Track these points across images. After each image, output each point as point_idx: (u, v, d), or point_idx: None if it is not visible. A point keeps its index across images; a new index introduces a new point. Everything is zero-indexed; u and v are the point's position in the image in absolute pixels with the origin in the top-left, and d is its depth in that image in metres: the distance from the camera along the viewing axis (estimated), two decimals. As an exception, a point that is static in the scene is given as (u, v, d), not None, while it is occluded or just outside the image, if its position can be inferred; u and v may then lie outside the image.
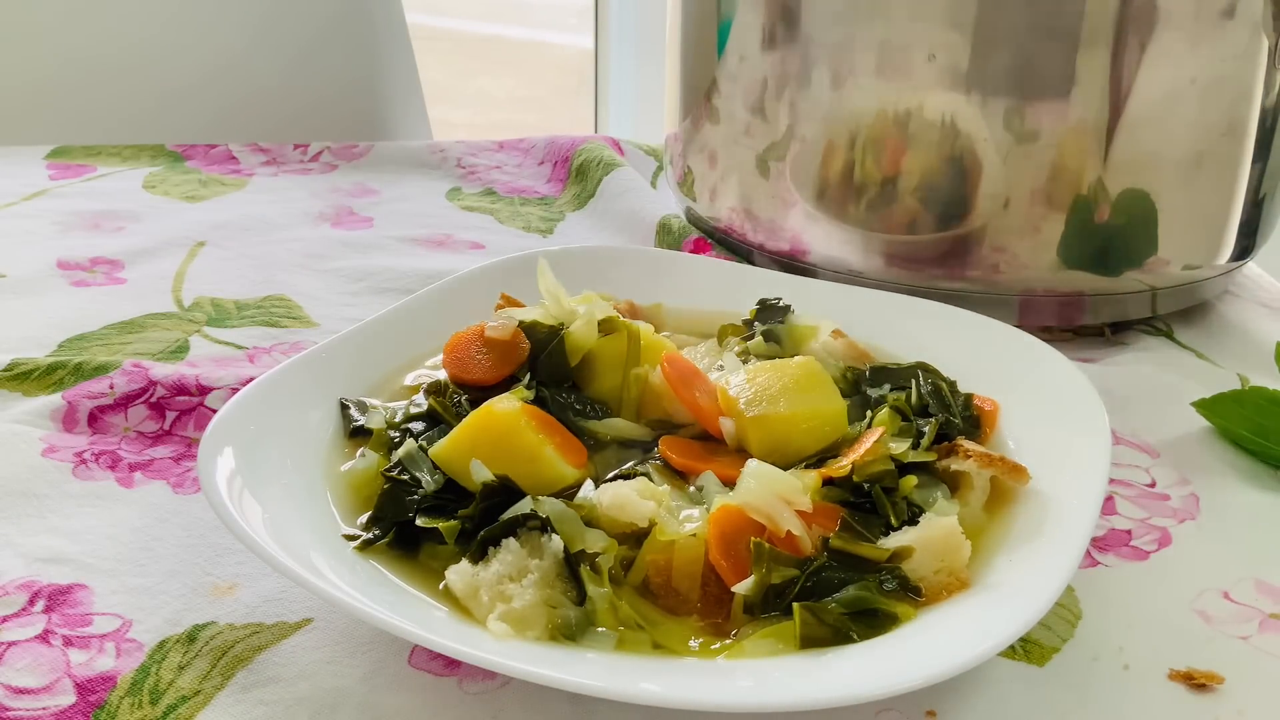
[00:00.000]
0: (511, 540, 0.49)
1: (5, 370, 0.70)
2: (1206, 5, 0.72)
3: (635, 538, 0.50)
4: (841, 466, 0.53)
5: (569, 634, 0.46)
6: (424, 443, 0.56)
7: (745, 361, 0.63)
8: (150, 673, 0.49)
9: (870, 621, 0.47)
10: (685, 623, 0.48)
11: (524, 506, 0.50)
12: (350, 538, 0.52)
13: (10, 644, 0.50)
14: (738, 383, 0.58)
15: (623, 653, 0.46)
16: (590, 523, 0.50)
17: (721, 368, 0.63)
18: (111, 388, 0.68)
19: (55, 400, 0.67)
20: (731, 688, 0.44)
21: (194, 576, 0.54)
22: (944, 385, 0.61)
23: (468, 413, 0.56)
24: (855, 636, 0.46)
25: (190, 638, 0.51)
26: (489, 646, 0.45)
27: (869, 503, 0.53)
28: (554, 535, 0.49)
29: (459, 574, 0.48)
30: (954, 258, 0.78)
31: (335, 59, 1.42)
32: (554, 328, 0.61)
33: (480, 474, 0.52)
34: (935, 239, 0.79)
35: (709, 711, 0.43)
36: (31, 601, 0.52)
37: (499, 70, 4.30)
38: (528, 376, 0.60)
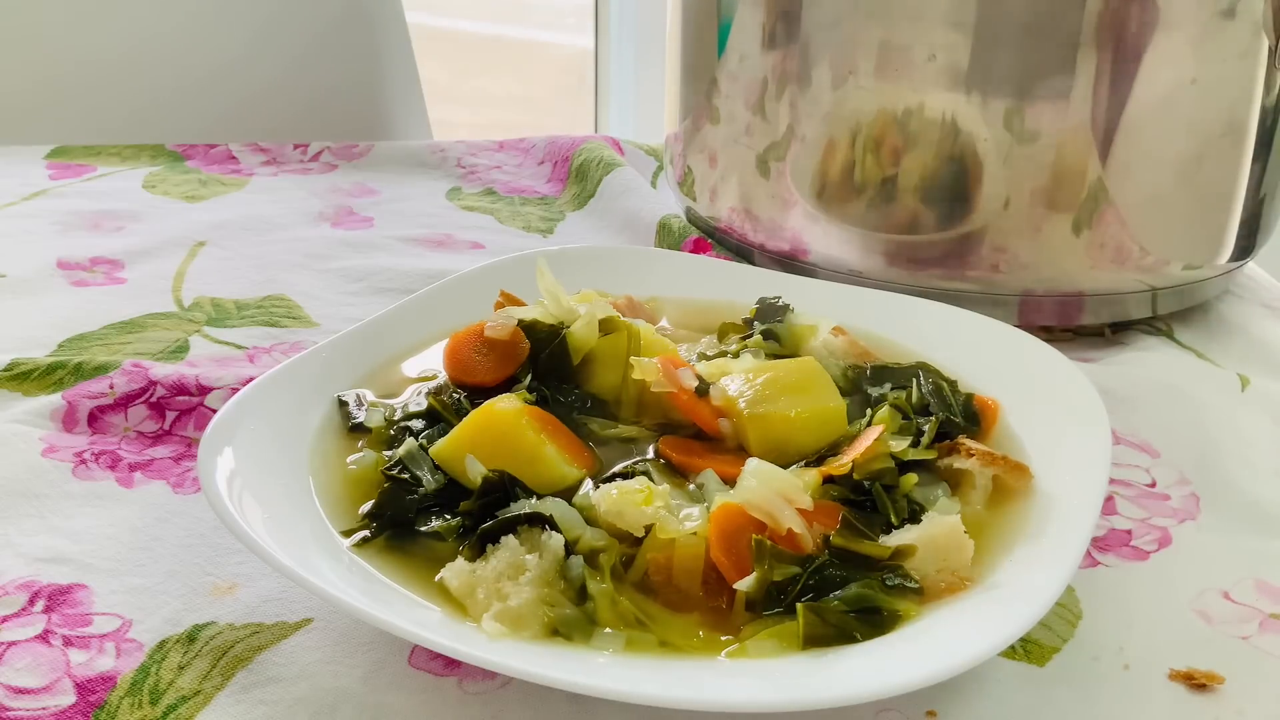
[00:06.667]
0: (510, 538, 0.49)
1: (5, 370, 0.70)
2: (1206, 5, 0.72)
3: (635, 536, 0.50)
4: (842, 464, 0.53)
5: (567, 633, 0.46)
6: (424, 441, 0.56)
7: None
8: (150, 673, 0.49)
9: (873, 619, 0.47)
10: (687, 619, 0.48)
11: (525, 505, 0.50)
12: (348, 534, 0.52)
13: (10, 644, 0.50)
14: (737, 381, 0.58)
15: (628, 653, 0.46)
16: (590, 522, 0.50)
17: (723, 353, 0.63)
18: (111, 388, 0.67)
19: (55, 400, 0.67)
20: (733, 687, 0.44)
21: (194, 576, 0.54)
22: (944, 384, 0.61)
23: (468, 411, 0.56)
24: (859, 636, 0.46)
25: (190, 638, 0.51)
26: (491, 647, 0.45)
27: (869, 501, 0.53)
28: (554, 533, 0.49)
29: (455, 572, 0.48)
30: (954, 258, 0.78)
31: (335, 59, 1.42)
32: (554, 327, 0.61)
33: (475, 470, 0.52)
34: (935, 239, 0.79)
35: (711, 712, 0.44)
36: (31, 601, 0.52)
37: (499, 70, 4.30)
38: (528, 377, 0.60)
